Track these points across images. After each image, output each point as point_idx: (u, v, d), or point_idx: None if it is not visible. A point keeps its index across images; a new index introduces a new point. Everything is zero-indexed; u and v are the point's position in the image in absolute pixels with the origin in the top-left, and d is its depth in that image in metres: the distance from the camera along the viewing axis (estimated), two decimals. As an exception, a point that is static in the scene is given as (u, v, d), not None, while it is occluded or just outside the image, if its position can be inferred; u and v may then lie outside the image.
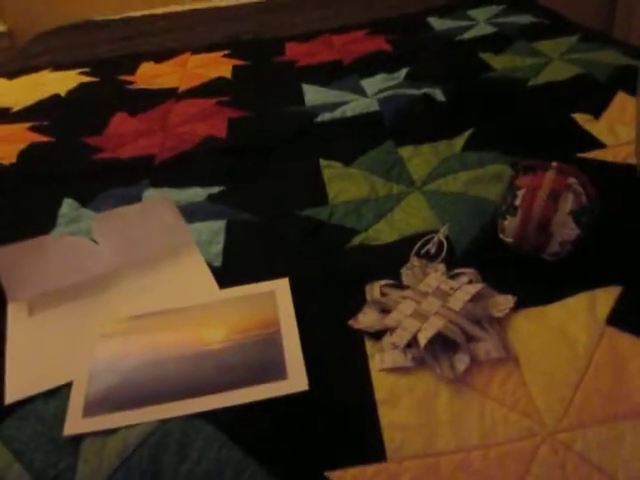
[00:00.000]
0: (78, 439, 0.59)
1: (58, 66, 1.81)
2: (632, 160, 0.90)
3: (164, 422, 0.59)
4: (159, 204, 0.86)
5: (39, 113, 1.45)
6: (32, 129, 1.35)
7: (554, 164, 0.71)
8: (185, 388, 0.62)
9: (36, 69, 1.81)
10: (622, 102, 1.08)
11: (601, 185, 0.75)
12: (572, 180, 0.69)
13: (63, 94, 1.57)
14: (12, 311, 0.76)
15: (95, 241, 0.83)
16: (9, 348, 0.70)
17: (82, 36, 2.16)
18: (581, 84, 1.20)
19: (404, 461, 0.55)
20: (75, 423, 0.60)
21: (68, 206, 1.01)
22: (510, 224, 0.71)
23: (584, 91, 1.17)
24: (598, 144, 0.97)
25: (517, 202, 0.70)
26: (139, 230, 0.83)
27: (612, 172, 0.89)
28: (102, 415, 0.60)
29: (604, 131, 1.00)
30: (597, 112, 1.07)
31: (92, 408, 0.61)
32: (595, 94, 1.14)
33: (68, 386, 0.64)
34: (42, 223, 0.96)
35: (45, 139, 1.30)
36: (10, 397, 0.63)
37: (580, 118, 1.06)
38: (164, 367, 0.65)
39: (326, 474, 0.54)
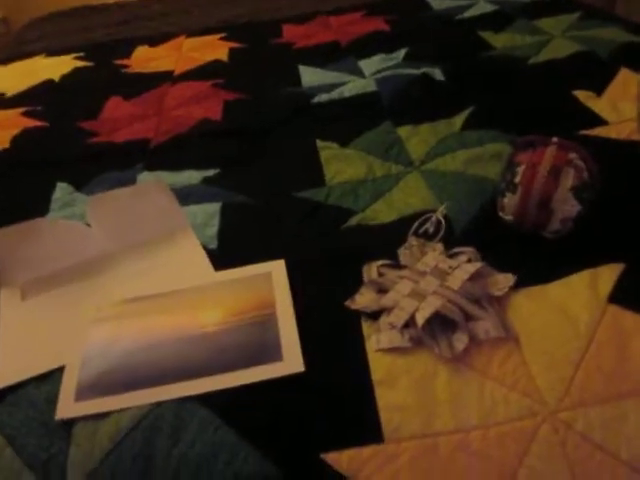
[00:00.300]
0: (70, 423, 0.58)
1: (52, 51, 1.79)
2: (636, 136, 0.88)
3: (157, 405, 0.58)
4: (153, 187, 0.85)
5: (33, 98, 1.44)
6: (26, 114, 1.34)
7: (554, 139, 0.69)
8: (179, 371, 0.61)
9: (30, 55, 1.79)
10: (625, 78, 1.06)
11: (604, 162, 0.73)
12: (573, 155, 0.68)
13: (57, 79, 1.55)
14: (4, 295, 0.75)
15: (89, 225, 0.82)
16: (1, 333, 0.69)
17: (77, 21, 2.14)
18: (582, 61, 1.18)
19: (402, 442, 0.54)
20: (67, 407, 0.59)
21: (62, 190, 1.00)
22: (510, 201, 0.70)
23: (586, 68, 1.15)
24: (600, 121, 0.95)
25: (517, 179, 0.68)
26: (133, 213, 0.82)
27: (615, 149, 0.87)
28: (94, 399, 0.59)
29: (606, 108, 0.98)
30: (599, 89, 1.05)
31: (84, 392, 0.60)
32: (597, 71, 1.12)
33: (60, 370, 0.63)
34: (36, 207, 0.95)
35: (39, 124, 1.28)
36: (2, 382, 0.62)
37: (581, 95, 1.03)
38: (158, 350, 0.64)
39: (322, 456, 0.53)
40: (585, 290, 0.63)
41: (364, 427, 0.55)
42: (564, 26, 1.38)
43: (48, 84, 1.53)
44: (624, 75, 1.08)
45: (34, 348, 0.67)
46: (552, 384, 0.56)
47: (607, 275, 0.64)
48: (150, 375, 0.61)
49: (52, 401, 0.60)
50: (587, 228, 0.70)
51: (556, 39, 1.32)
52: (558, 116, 0.99)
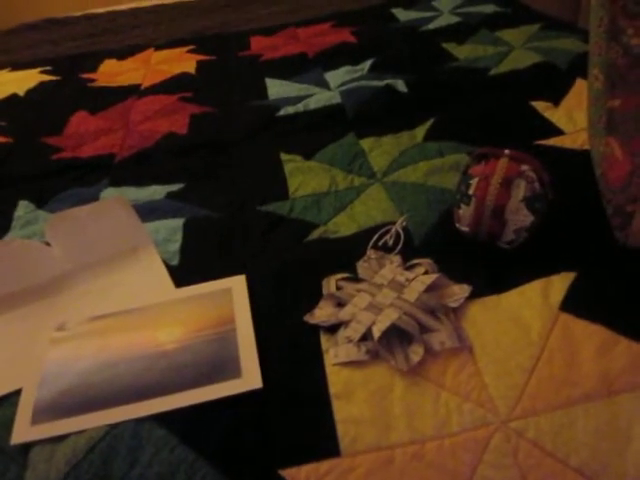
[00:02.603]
0: (27, 447, 0.57)
1: (18, 65, 1.77)
2: (588, 146, 0.90)
3: (114, 426, 0.58)
4: (114, 203, 0.84)
5: (-4, 114, 1.42)
6: (-11, 130, 1.32)
7: (506, 151, 0.70)
8: (136, 390, 0.61)
9: (-6, 69, 1.76)
10: (580, 88, 1.09)
11: (558, 172, 0.75)
12: (525, 167, 0.69)
13: (22, 93, 1.53)
14: (-39, 318, 0.74)
15: (48, 243, 0.81)
16: (-44, 356, 0.68)
17: (43, 34, 2.11)
18: (542, 72, 1.21)
19: (358, 455, 0.54)
20: (23, 431, 0.58)
21: (24, 208, 0.99)
22: (465, 213, 0.71)
23: (544, 79, 1.17)
24: (557, 131, 0.98)
25: (471, 191, 0.70)
26: (94, 230, 0.81)
27: (569, 158, 0.89)
28: (51, 422, 0.59)
29: (563, 118, 1.01)
30: (557, 99, 1.08)
31: (41, 415, 0.60)
32: (555, 81, 1.15)
33: (17, 393, 0.63)
34: (-4, 226, 0.94)
35: (2, 140, 1.27)
36: (-44, 407, 0.61)
37: (540, 105, 1.06)
38: (116, 369, 0.64)
39: (280, 472, 0.54)
40: (538, 299, 0.64)
41: (321, 441, 0.55)
42: (525, 37, 1.41)
43: (13, 99, 1.51)
44: (580, 85, 1.10)
45: (-10, 371, 0.66)
46: (504, 393, 0.57)
47: (559, 284, 0.66)
48: (107, 395, 0.61)
49: (8, 425, 0.59)
50: (541, 237, 0.72)
51: (517, 50, 1.34)
52: (517, 126, 1.02)
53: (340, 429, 0.56)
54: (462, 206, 0.71)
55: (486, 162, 0.70)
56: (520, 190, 0.68)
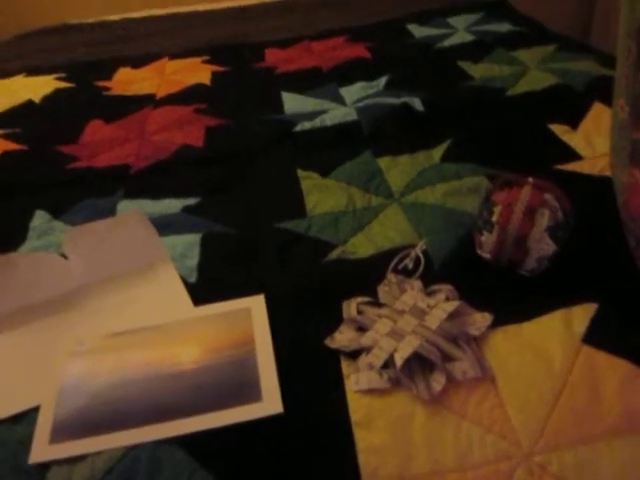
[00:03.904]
0: (44, 466, 0.57)
1: (33, 71, 1.78)
2: (608, 172, 0.90)
3: (133, 448, 0.57)
4: (132, 218, 0.84)
5: (11, 120, 1.42)
6: (5, 137, 1.32)
7: (530, 179, 0.70)
8: (155, 411, 0.60)
9: (9, 74, 1.77)
10: (598, 113, 1.09)
11: (577, 198, 0.75)
12: (548, 196, 0.69)
13: (37, 100, 1.54)
14: (-22, 330, 0.74)
15: (65, 256, 0.81)
16: (-26, 369, 0.68)
17: (57, 39, 2.12)
18: (558, 94, 1.21)
19: (379, 486, 0.54)
20: (41, 450, 0.58)
21: (40, 218, 0.99)
22: (487, 240, 0.71)
23: (561, 101, 1.18)
24: (575, 155, 0.98)
25: (494, 218, 0.70)
26: (112, 245, 0.81)
27: (588, 184, 0.89)
28: (69, 441, 0.59)
29: (581, 142, 1.01)
30: (574, 123, 1.08)
31: (59, 434, 0.59)
32: (572, 104, 1.15)
33: (35, 410, 0.62)
34: (13, 235, 0.94)
35: (18, 147, 1.27)
36: (-26, 422, 0.61)
37: (557, 129, 1.06)
38: (134, 388, 0.64)
39: (300, 500, 0.53)
40: (560, 330, 0.64)
41: (342, 470, 0.55)
42: (540, 57, 1.42)
43: (28, 105, 1.51)
44: (597, 109, 1.10)
45: (8, 386, 0.66)
46: (527, 426, 0.56)
47: (581, 315, 0.65)
48: (125, 415, 0.61)
49: (26, 443, 0.59)
50: (562, 266, 0.72)
51: (533, 71, 1.35)
52: (535, 150, 1.02)
53: (362, 459, 0.55)
54: (484, 233, 0.71)
55: (509, 189, 0.70)
56: (544, 219, 0.68)
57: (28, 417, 0.62)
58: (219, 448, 0.57)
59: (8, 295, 0.76)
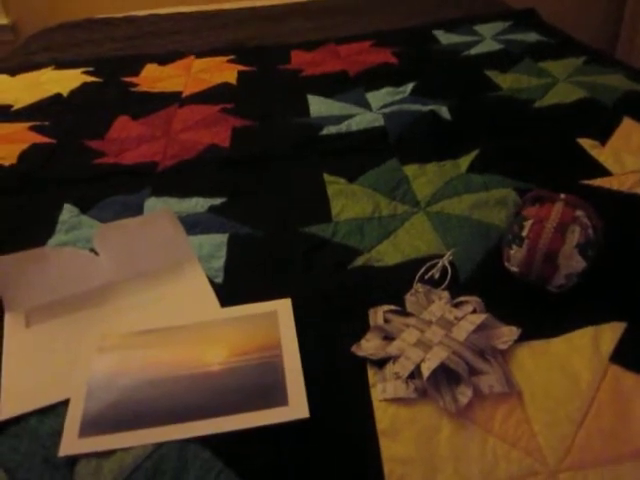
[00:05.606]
0: (73, 460, 0.58)
1: (61, 64, 1.80)
2: (638, 189, 0.90)
3: (160, 445, 0.58)
4: (161, 216, 0.85)
5: (41, 113, 1.44)
6: (33, 129, 1.34)
7: (562, 196, 0.70)
8: (183, 410, 0.61)
9: (38, 66, 1.79)
10: (628, 129, 1.09)
11: (606, 214, 0.75)
12: (579, 213, 0.69)
13: (65, 94, 1.56)
14: (9, 322, 0.75)
15: (95, 252, 0.82)
16: (5, 361, 0.69)
17: (85, 33, 2.15)
18: (587, 108, 1.20)
19: (404, 496, 0.54)
20: (71, 443, 0.59)
21: (68, 212, 1.00)
22: (516, 254, 0.71)
23: (590, 116, 1.17)
24: (604, 171, 0.97)
25: (524, 233, 0.70)
26: (140, 243, 0.82)
27: (617, 201, 0.89)
28: (98, 436, 0.59)
29: (610, 158, 1.00)
30: (603, 138, 1.07)
31: (88, 428, 0.60)
32: (601, 119, 1.14)
33: (63, 403, 0.63)
34: (42, 229, 0.95)
35: (46, 140, 1.28)
36: (5, 414, 0.62)
37: (586, 143, 1.06)
38: (162, 386, 0.64)
39: (324, 507, 0.54)
40: (587, 348, 0.64)
41: (367, 478, 0.56)
42: (569, 70, 1.41)
43: (56, 98, 1.53)
44: (627, 125, 1.10)
45: (39, 378, 0.67)
46: (553, 443, 0.56)
47: (609, 334, 0.65)
48: (153, 413, 0.61)
49: (55, 435, 0.60)
50: (590, 283, 0.71)
51: (561, 83, 1.34)
52: (562, 164, 1.01)
53: (387, 468, 0.55)
54: (513, 246, 0.71)
55: (541, 205, 0.70)
56: (574, 236, 0.68)
57: (57, 410, 0.63)
58: (245, 450, 0.58)
59: (39, 288, 0.77)
